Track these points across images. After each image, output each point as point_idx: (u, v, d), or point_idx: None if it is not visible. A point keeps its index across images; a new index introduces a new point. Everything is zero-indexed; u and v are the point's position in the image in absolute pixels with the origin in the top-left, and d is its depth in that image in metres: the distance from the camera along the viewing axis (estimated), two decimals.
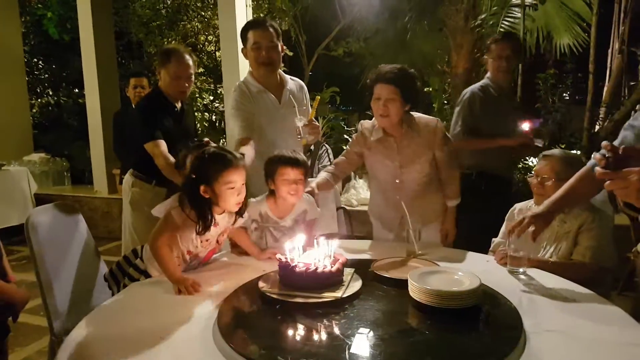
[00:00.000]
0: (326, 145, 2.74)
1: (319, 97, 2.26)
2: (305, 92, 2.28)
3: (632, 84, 4.40)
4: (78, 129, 5.99)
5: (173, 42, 6.20)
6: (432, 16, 4.59)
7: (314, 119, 2.10)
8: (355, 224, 2.67)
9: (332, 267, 1.29)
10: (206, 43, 6.66)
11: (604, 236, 1.59)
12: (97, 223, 4.53)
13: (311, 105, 2.24)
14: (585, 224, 1.59)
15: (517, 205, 1.83)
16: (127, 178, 2.30)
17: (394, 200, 1.95)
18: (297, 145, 2.09)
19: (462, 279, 1.26)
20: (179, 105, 2.26)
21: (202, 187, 1.44)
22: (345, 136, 4.76)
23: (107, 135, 4.47)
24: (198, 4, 6.43)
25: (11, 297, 1.34)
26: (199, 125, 5.86)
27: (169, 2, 6.45)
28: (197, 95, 6.09)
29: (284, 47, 2.17)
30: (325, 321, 1.14)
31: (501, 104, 2.43)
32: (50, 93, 7.28)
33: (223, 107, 5.39)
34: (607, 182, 0.93)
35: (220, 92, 6.18)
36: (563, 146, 3.90)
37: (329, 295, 1.23)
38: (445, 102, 4.60)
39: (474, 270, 1.30)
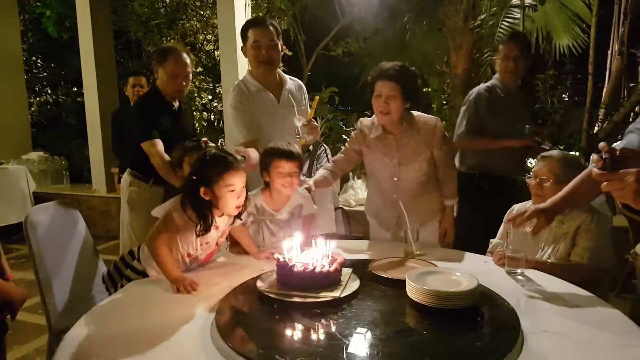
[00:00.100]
0: (325, 145, 2.74)
1: (318, 97, 2.26)
2: (304, 92, 2.28)
3: (631, 85, 4.41)
4: (77, 128, 5.99)
5: (172, 40, 6.20)
6: (432, 16, 4.59)
7: (312, 119, 2.10)
8: (353, 224, 2.68)
9: (330, 267, 1.29)
10: (205, 42, 6.65)
11: (602, 237, 1.59)
12: (96, 222, 4.52)
13: (310, 105, 2.24)
14: (583, 225, 1.59)
15: (516, 206, 1.83)
16: (125, 177, 2.30)
17: (391, 199, 1.95)
18: (295, 144, 2.09)
19: (460, 279, 1.26)
20: (176, 104, 2.26)
21: (202, 189, 1.44)
22: (344, 136, 4.76)
23: (106, 134, 4.46)
24: (197, 3, 6.43)
25: (9, 294, 1.34)
26: (197, 124, 5.85)
27: (167, 1, 6.44)
28: (195, 95, 6.09)
29: (284, 47, 2.17)
30: (323, 321, 1.14)
31: (507, 104, 2.42)
32: (49, 92, 7.27)
33: (222, 106, 5.38)
34: (604, 183, 0.93)
35: (219, 91, 6.19)
36: (562, 147, 3.90)
37: (326, 295, 1.23)
38: (444, 102, 4.60)
39: (472, 271, 1.30)
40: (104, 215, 4.60)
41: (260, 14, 5.07)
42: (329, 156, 2.68)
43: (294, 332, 1.11)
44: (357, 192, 3.84)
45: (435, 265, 1.47)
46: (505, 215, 1.84)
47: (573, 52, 4.74)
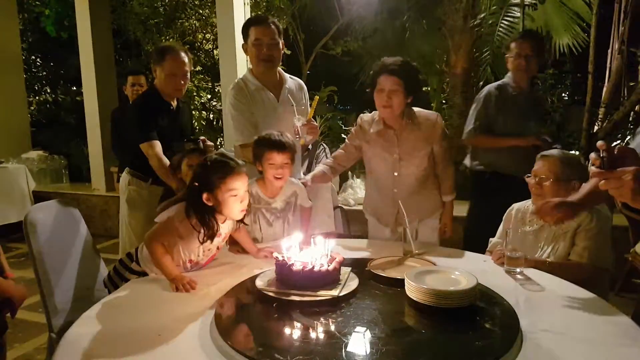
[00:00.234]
0: (324, 144, 2.74)
1: (318, 96, 2.26)
2: (304, 92, 2.27)
3: (631, 84, 4.40)
4: (76, 127, 5.99)
5: (171, 40, 6.19)
6: (431, 15, 4.59)
7: (312, 118, 2.09)
8: (352, 223, 2.68)
9: (328, 265, 1.29)
10: (204, 41, 6.64)
11: (602, 237, 1.59)
12: (95, 221, 4.52)
13: (310, 105, 2.24)
14: (583, 225, 1.59)
15: (515, 205, 1.83)
16: (124, 176, 2.30)
17: (391, 195, 1.96)
18: (294, 143, 2.08)
19: (458, 278, 1.26)
20: (174, 103, 2.25)
21: (204, 195, 1.43)
22: (343, 135, 4.76)
23: (105, 133, 4.46)
24: (196, 2, 6.42)
25: (9, 292, 1.34)
26: (196, 123, 5.85)
27: (166, 0, 6.43)
28: (194, 94, 6.09)
29: (284, 45, 2.17)
30: (322, 319, 1.14)
31: (518, 103, 2.41)
32: (48, 91, 7.27)
33: (220, 105, 5.39)
34: (602, 181, 0.93)
35: (218, 90, 6.18)
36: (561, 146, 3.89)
37: (325, 294, 1.22)
38: (444, 101, 4.60)
39: (471, 270, 1.30)
40: (103, 214, 4.60)
41: (259, 13, 5.07)
42: (328, 155, 2.68)
43: (293, 331, 1.11)
44: (356, 191, 3.83)
45: (434, 264, 1.47)
46: (505, 214, 1.84)
47: (573, 51, 4.74)
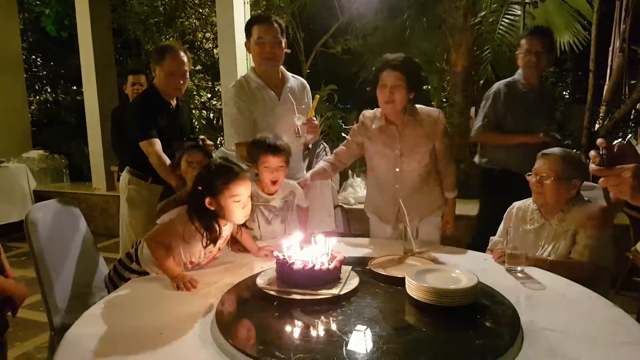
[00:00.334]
0: (324, 143, 2.73)
1: (318, 95, 2.25)
2: (307, 91, 2.26)
3: (632, 82, 4.39)
4: (76, 126, 5.99)
5: (171, 39, 6.19)
6: (431, 14, 4.57)
7: (313, 117, 2.09)
8: (352, 222, 2.67)
9: (329, 264, 1.29)
10: (204, 40, 6.64)
11: (603, 235, 1.59)
12: (96, 220, 4.53)
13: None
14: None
15: (516, 204, 1.82)
16: (124, 175, 2.30)
17: (392, 192, 1.96)
18: (295, 143, 2.08)
19: (459, 276, 1.26)
20: (174, 102, 2.25)
21: (207, 199, 1.43)
22: (343, 134, 4.75)
23: (105, 132, 4.47)
24: (196, 1, 6.42)
25: (10, 291, 1.34)
26: (196, 122, 5.85)
27: None
28: (194, 93, 6.08)
29: (286, 44, 2.16)
30: (322, 318, 1.14)
31: (527, 100, 2.39)
32: (49, 90, 7.27)
33: (221, 104, 5.38)
34: (601, 179, 0.92)
35: (218, 89, 6.18)
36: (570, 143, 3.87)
37: (326, 293, 1.23)
38: (444, 100, 4.60)
39: (471, 268, 1.30)
40: (104, 213, 4.60)
41: (259, 12, 5.06)
42: (329, 154, 2.67)
43: (294, 329, 1.11)
44: (357, 190, 3.83)
45: (435, 263, 1.47)
46: (506, 213, 1.83)
47: (574, 49, 4.73)
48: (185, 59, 2.16)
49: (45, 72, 7.33)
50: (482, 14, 4.21)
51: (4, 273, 1.41)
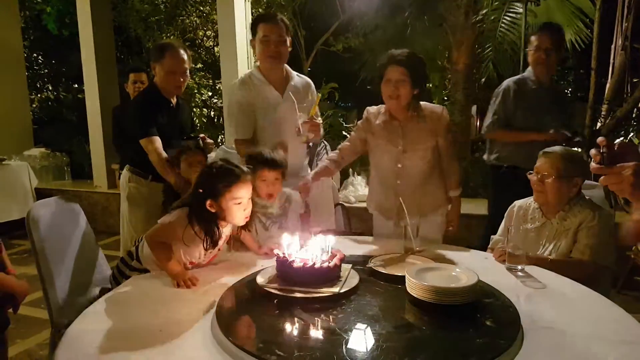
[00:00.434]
0: (325, 142, 2.73)
1: (319, 94, 2.25)
2: (312, 90, 2.25)
3: (635, 80, 4.38)
4: (77, 124, 6.00)
5: (172, 37, 6.19)
6: (432, 12, 4.56)
7: (315, 116, 2.09)
8: (353, 220, 2.67)
9: (329, 262, 1.29)
10: (205, 38, 6.64)
11: (604, 234, 1.58)
12: (97, 218, 4.53)
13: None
14: (585, 222, 1.59)
15: (517, 202, 1.82)
16: (125, 173, 2.31)
17: (394, 188, 1.95)
18: (296, 142, 2.08)
19: (459, 275, 1.26)
20: (174, 100, 2.25)
21: (208, 202, 1.44)
22: (344, 133, 4.75)
23: (107, 130, 4.47)
24: None
25: (11, 288, 1.34)
26: (197, 121, 5.85)
27: None
28: (195, 91, 6.09)
29: (290, 43, 2.16)
30: (322, 316, 1.14)
31: (538, 97, 2.38)
32: (50, 88, 7.29)
33: (221, 102, 5.38)
34: (602, 177, 0.92)
35: (219, 87, 6.18)
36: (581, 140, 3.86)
37: (326, 291, 1.23)
38: (446, 98, 4.59)
39: (472, 267, 1.30)
40: (105, 211, 4.61)
41: (260, 10, 5.05)
42: (329, 153, 2.66)
43: (294, 327, 1.11)
44: (357, 188, 3.83)
45: (435, 261, 1.47)
46: (507, 212, 1.83)
47: (576, 47, 4.71)
48: (185, 56, 2.16)
49: (46, 70, 7.35)
50: (484, 12, 4.20)
51: (6, 270, 1.41)
